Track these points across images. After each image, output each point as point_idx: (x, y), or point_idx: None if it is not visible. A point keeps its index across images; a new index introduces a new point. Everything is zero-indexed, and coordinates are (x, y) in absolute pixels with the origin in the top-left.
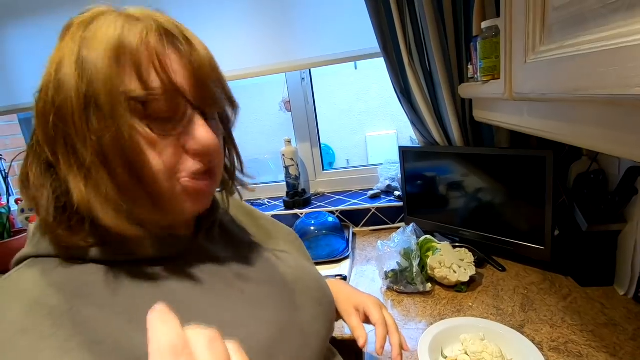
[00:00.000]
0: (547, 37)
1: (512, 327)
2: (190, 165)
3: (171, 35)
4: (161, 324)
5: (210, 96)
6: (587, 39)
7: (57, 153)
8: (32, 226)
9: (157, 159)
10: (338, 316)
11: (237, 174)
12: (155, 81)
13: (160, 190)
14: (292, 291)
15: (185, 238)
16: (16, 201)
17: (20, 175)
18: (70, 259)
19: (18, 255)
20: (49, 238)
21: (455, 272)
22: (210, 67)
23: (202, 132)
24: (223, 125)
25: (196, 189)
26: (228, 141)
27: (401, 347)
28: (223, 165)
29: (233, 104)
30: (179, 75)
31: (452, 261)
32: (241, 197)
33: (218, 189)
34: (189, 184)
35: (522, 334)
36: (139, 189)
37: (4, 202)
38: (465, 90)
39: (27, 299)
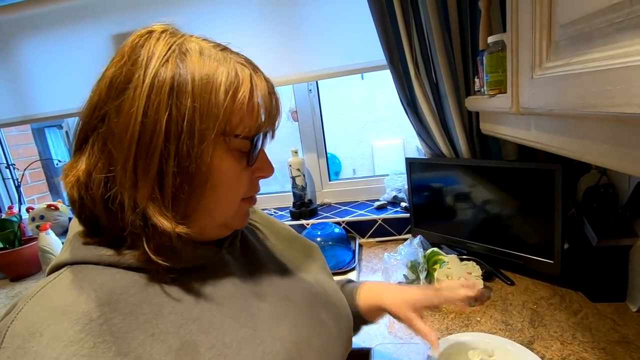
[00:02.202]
0: (554, 53)
1: (521, 343)
2: (254, 190)
3: (258, 71)
4: None
5: (275, 128)
6: (594, 56)
7: (136, 171)
8: (70, 233)
9: (239, 187)
10: (398, 318)
11: None
12: (253, 125)
13: (231, 211)
14: (310, 308)
15: (210, 249)
16: (27, 210)
17: (72, 181)
18: (106, 265)
19: (55, 262)
20: (87, 243)
21: None
22: (280, 111)
23: (269, 164)
24: None
25: (247, 210)
26: None
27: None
28: None
29: (273, 137)
30: (266, 119)
31: (459, 274)
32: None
33: None
34: (246, 206)
35: (532, 351)
36: (211, 208)
37: (16, 210)
38: (472, 103)
39: (58, 308)
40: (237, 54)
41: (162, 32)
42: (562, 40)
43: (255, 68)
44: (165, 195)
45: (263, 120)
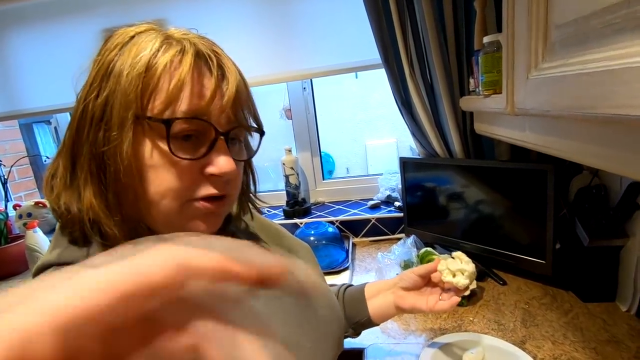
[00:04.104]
0: (550, 54)
1: (513, 343)
2: (206, 189)
3: (205, 61)
4: None
5: (237, 123)
6: (591, 57)
7: (75, 160)
8: (57, 231)
9: (170, 179)
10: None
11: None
12: (181, 105)
13: (169, 209)
14: (300, 308)
15: None
16: (14, 207)
17: (46, 178)
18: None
19: (40, 263)
20: (74, 242)
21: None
22: (242, 95)
23: (223, 160)
24: (247, 149)
25: (207, 212)
26: (246, 164)
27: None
28: (239, 190)
29: (260, 130)
30: (206, 101)
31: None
32: (259, 211)
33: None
34: (201, 207)
35: (524, 351)
36: (147, 204)
37: (2, 207)
38: (467, 103)
39: None
40: (201, 36)
41: (146, 30)
42: (559, 41)
43: (197, 51)
44: (103, 190)
45: (189, 104)
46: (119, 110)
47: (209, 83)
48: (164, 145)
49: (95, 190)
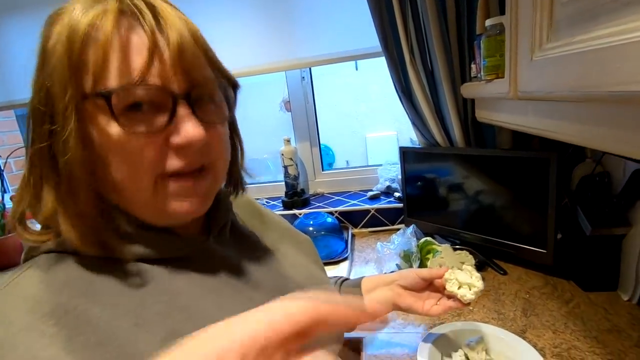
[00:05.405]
0: (555, 34)
1: (514, 332)
2: (176, 162)
3: (135, 16)
4: None
5: (195, 80)
6: (597, 34)
7: (30, 160)
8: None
9: (132, 159)
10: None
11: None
12: (116, 76)
13: (141, 191)
14: None
15: (194, 240)
16: (11, 198)
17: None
18: (82, 255)
19: (28, 249)
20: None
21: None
22: (191, 47)
23: (187, 126)
24: (229, 109)
25: (179, 190)
26: (232, 130)
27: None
28: (226, 160)
29: (231, 82)
30: (144, 62)
31: (452, 264)
32: (243, 189)
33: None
34: (171, 184)
35: (525, 340)
36: (118, 190)
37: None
38: (468, 90)
39: (30, 297)
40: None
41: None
42: (564, 19)
43: (122, 6)
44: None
45: (134, 69)
46: (57, 96)
47: (141, 40)
48: (108, 124)
49: (52, 193)
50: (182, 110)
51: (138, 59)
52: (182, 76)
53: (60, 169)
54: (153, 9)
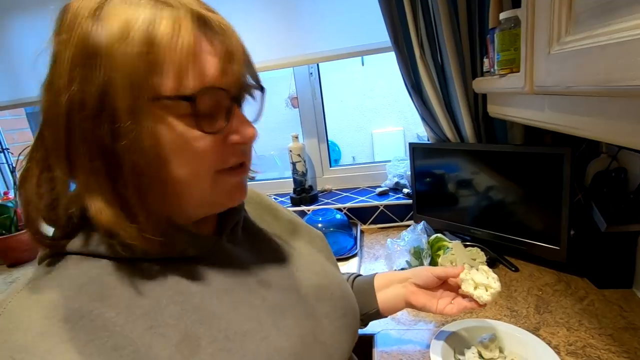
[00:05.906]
0: (574, 27)
1: (527, 330)
2: (233, 159)
3: (205, 24)
4: None
5: (244, 84)
6: (621, 26)
7: (71, 159)
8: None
9: (199, 157)
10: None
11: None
12: (193, 79)
13: (202, 188)
14: (315, 300)
15: (209, 239)
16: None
17: (21, 173)
18: (96, 257)
19: (44, 251)
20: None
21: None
22: (244, 54)
23: (246, 126)
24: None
25: (236, 183)
26: None
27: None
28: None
29: (261, 88)
30: (216, 68)
31: (463, 260)
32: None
33: None
34: (229, 178)
35: (538, 337)
36: (176, 191)
37: (12, 195)
38: (480, 85)
39: (47, 302)
40: None
41: None
42: (585, 11)
43: (194, 13)
44: (121, 193)
45: (208, 74)
46: (125, 96)
47: (213, 48)
48: (179, 124)
49: (108, 197)
50: (237, 111)
51: (212, 65)
52: (238, 80)
53: (126, 171)
54: (217, 19)
